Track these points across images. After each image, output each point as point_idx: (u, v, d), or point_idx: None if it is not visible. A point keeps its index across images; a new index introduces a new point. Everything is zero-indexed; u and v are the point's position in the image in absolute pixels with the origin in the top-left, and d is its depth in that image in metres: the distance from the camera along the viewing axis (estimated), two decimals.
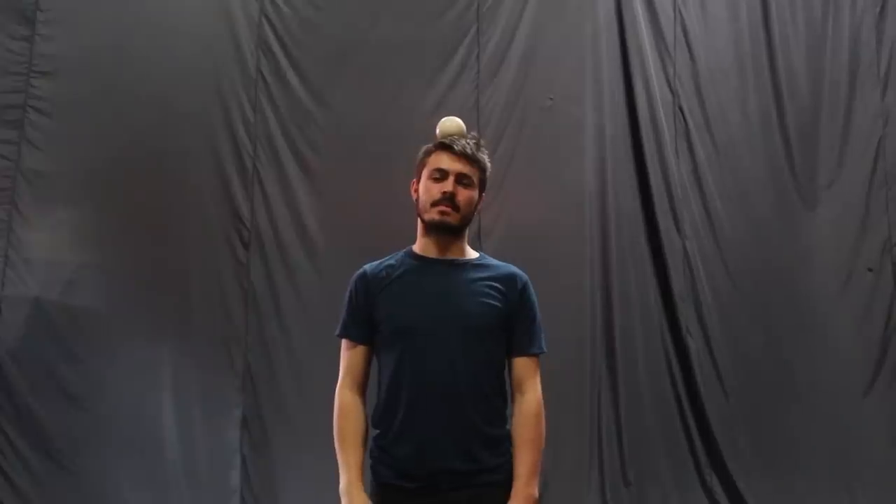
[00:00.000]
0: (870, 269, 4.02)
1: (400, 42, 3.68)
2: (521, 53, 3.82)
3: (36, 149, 3.31)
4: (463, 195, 1.72)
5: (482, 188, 1.79)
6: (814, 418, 3.80)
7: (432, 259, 1.75)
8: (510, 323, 1.73)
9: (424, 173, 1.76)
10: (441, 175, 1.72)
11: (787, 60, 4.13)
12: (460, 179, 1.72)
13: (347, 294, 1.78)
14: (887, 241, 4.06)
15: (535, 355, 1.76)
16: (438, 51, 3.72)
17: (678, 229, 3.90)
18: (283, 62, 3.60)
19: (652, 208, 3.88)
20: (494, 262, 1.81)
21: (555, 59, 3.86)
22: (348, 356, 1.76)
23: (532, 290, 1.78)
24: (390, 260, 1.80)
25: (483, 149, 1.79)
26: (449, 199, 1.70)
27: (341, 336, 1.78)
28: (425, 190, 1.74)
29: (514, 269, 1.80)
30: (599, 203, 3.83)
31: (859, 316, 3.97)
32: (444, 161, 1.72)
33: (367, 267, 1.79)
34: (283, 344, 3.41)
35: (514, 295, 1.74)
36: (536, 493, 1.67)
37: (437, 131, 1.79)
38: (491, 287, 1.72)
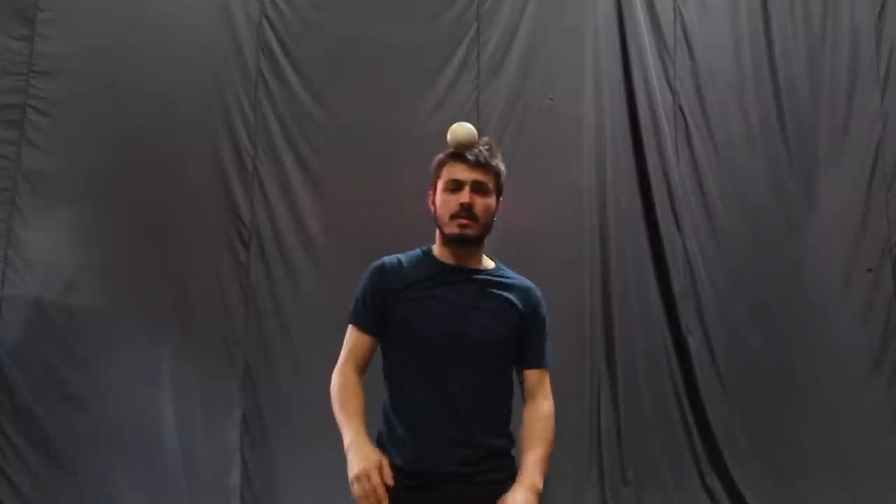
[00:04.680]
0: (869, 270, 4.02)
1: (400, 42, 3.68)
2: (521, 53, 3.82)
3: (36, 149, 3.31)
4: (481, 204, 1.69)
5: (499, 194, 1.76)
6: (814, 417, 3.80)
7: (452, 267, 1.73)
8: (522, 336, 1.73)
9: (440, 185, 1.72)
10: (457, 186, 1.69)
11: (786, 61, 4.13)
12: (477, 188, 1.69)
13: (363, 284, 1.75)
14: (887, 242, 4.06)
15: (546, 367, 1.77)
16: (438, 51, 3.72)
17: (678, 228, 3.90)
18: (283, 62, 3.60)
19: (652, 207, 3.89)
20: (511, 274, 1.80)
21: (555, 59, 3.86)
22: (355, 341, 1.75)
23: (544, 306, 1.79)
24: (410, 260, 1.77)
25: (497, 154, 1.75)
26: (467, 210, 1.67)
27: (353, 323, 1.76)
28: (442, 203, 1.71)
29: (529, 283, 1.79)
30: (599, 203, 3.83)
31: (859, 316, 3.97)
32: (459, 171, 1.69)
33: (386, 262, 1.76)
34: (283, 344, 3.41)
35: (530, 310, 1.74)
36: (541, 484, 1.66)
37: (449, 137, 1.74)
38: (509, 303, 1.72)
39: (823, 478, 3.72)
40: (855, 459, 3.76)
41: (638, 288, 3.82)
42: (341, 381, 1.71)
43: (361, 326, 1.75)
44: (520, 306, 1.72)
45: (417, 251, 1.79)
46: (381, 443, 1.71)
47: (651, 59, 3.98)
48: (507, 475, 1.68)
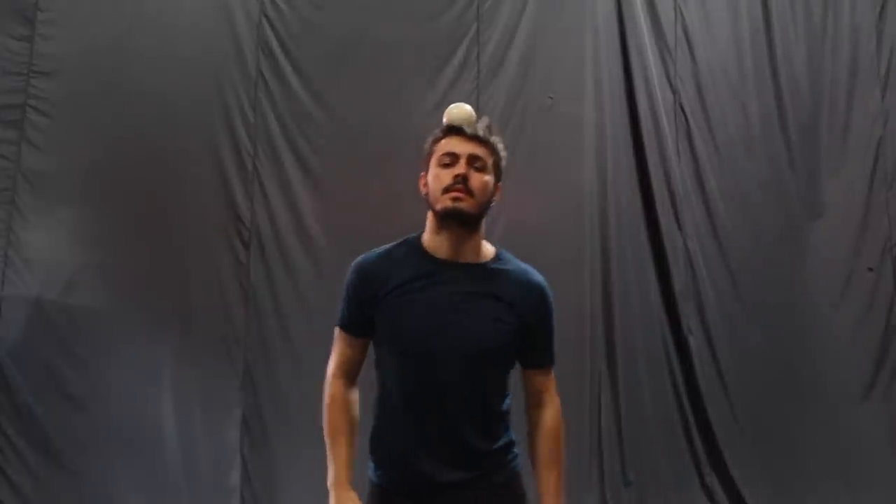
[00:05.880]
0: (870, 269, 4.02)
1: (400, 42, 3.68)
2: (521, 53, 3.82)
3: (36, 149, 3.31)
4: (477, 179, 1.55)
5: (498, 177, 1.63)
6: (814, 417, 3.80)
7: (443, 262, 1.58)
8: (524, 337, 1.60)
9: (433, 161, 1.59)
10: (451, 160, 1.56)
11: (787, 60, 4.13)
12: (473, 162, 1.56)
13: (347, 284, 1.65)
14: (888, 241, 4.06)
15: (551, 367, 1.68)
16: (438, 51, 3.72)
17: (679, 227, 3.90)
18: (283, 62, 3.60)
19: (653, 207, 3.88)
20: (512, 265, 1.64)
21: (555, 58, 3.86)
22: (343, 348, 1.66)
23: (550, 299, 1.65)
24: (396, 253, 1.63)
25: (497, 134, 1.64)
26: (461, 182, 1.53)
27: (339, 326, 1.67)
28: (435, 178, 1.57)
29: (531, 277, 1.64)
30: (600, 203, 3.83)
31: (860, 315, 3.97)
32: (455, 144, 1.57)
33: (369, 259, 1.64)
34: (283, 344, 3.41)
35: (531, 310, 1.60)
36: None
37: (445, 119, 1.64)
38: (504, 302, 1.57)
39: (823, 478, 3.72)
40: (855, 459, 3.76)
41: (638, 287, 3.82)
42: (329, 398, 1.64)
43: (348, 329, 1.65)
44: (518, 305, 1.58)
45: (405, 241, 1.65)
46: (373, 442, 1.65)
47: (652, 58, 3.97)
48: (507, 477, 1.63)
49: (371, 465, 1.66)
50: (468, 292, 1.57)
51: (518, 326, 1.58)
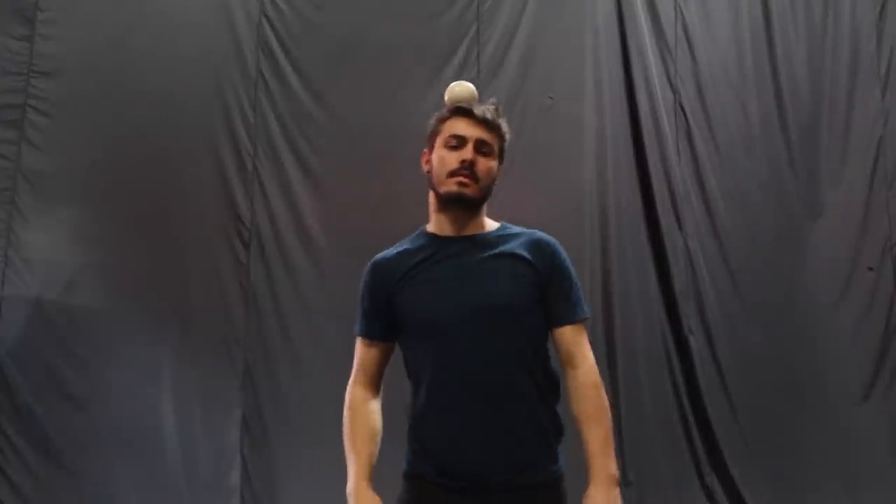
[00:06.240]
0: (870, 269, 4.01)
1: (400, 42, 3.68)
2: (521, 53, 3.82)
3: (36, 149, 3.31)
4: (483, 165, 1.55)
5: (501, 159, 1.63)
6: (814, 417, 3.80)
7: (450, 238, 1.58)
8: (546, 292, 1.56)
9: (438, 141, 1.58)
10: (458, 142, 1.55)
11: (787, 59, 4.12)
12: (480, 147, 1.56)
13: (361, 290, 1.64)
14: (888, 241, 4.06)
15: (580, 321, 1.58)
16: (438, 51, 3.72)
17: (679, 227, 3.89)
18: (283, 62, 3.60)
19: (653, 206, 3.88)
20: (517, 229, 1.64)
21: (555, 59, 3.85)
22: (363, 353, 1.63)
23: (563, 253, 1.62)
24: (405, 244, 1.64)
25: (503, 116, 1.63)
26: (468, 168, 1.53)
27: (361, 335, 1.64)
28: (440, 160, 1.57)
29: (539, 234, 1.63)
30: (600, 203, 3.83)
31: (860, 315, 3.96)
32: (462, 127, 1.56)
33: (378, 258, 1.64)
34: (283, 344, 3.41)
35: (545, 261, 1.57)
36: (616, 470, 1.49)
37: (447, 97, 1.64)
38: (518, 258, 1.55)
39: (823, 478, 3.72)
40: (855, 459, 3.75)
41: (639, 287, 3.81)
42: (348, 404, 1.61)
43: (366, 335, 1.63)
44: (532, 260, 1.55)
45: (411, 235, 1.66)
46: (412, 434, 1.59)
47: (652, 58, 3.97)
48: (550, 479, 1.54)
49: (409, 457, 1.60)
50: (480, 258, 1.56)
51: (538, 280, 1.55)
